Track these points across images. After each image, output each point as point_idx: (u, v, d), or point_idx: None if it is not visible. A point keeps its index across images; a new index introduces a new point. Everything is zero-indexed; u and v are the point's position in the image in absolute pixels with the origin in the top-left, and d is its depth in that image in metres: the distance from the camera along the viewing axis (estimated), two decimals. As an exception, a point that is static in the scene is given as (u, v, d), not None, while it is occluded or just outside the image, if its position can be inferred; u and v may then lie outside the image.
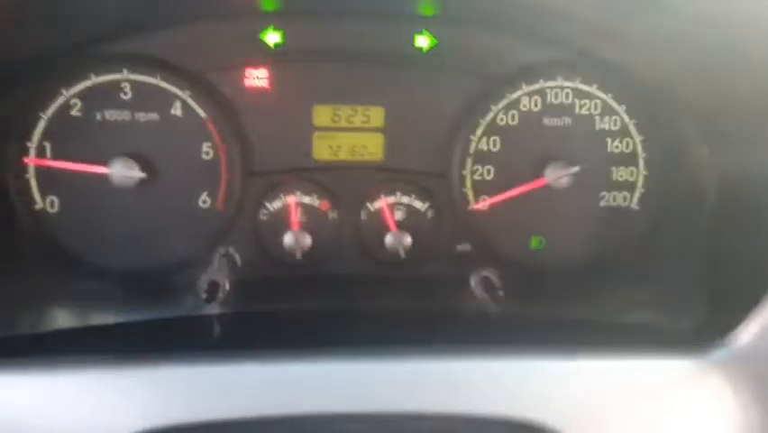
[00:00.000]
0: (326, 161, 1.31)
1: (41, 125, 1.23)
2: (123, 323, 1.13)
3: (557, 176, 1.26)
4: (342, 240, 1.32)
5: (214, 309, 1.14)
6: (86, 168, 1.22)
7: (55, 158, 1.23)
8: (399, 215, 1.32)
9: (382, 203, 1.32)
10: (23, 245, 1.25)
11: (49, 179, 1.25)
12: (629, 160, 1.32)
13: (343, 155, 1.31)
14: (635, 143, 1.32)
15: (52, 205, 1.26)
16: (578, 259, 1.35)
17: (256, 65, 1.27)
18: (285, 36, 1.26)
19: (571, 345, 1.03)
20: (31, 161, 1.23)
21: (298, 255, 1.26)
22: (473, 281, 1.22)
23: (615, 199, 1.33)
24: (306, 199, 1.31)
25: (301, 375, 0.98)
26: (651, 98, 1.29)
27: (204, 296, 1.09)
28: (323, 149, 1.31)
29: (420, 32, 1.27)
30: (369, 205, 1.32)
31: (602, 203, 1.33)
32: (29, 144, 1.23)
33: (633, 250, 1.34)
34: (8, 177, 1.23)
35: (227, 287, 1.15)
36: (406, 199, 1.32)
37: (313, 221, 1.31)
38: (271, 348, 1.00)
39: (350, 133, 1.30)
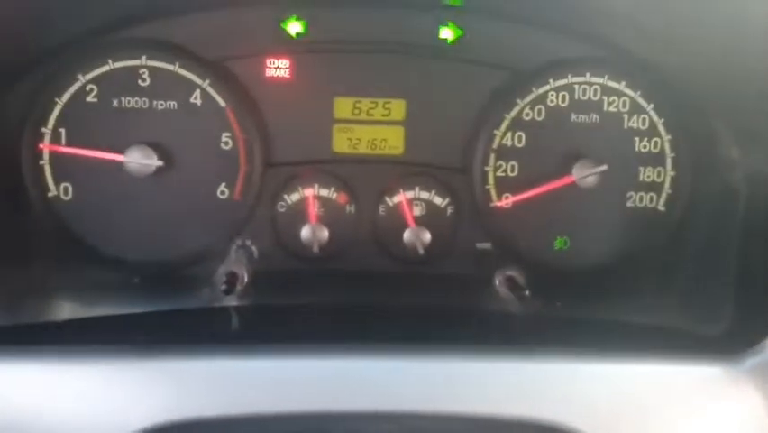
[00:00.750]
0: (345, 154, 1.28)
1: (56, 111, 1.21)
2: (139, 314, 1.11)
3: (584, 174, 1.23)
4: (359, 234, 1.29)
5: (231, 301, 1.11)
6: (101, 155, 1.20)
7: (70, 144, 1.21)
8: (418, 210, 1.30)
9: (401, 198, 1.29)
10: (36, 233, 1.23)
11: (63, 166, 1.23)
12: (657, 159, 1.29)
13: (363, 148, 1.28)
14: (662, 143, 1.29)
15: (66, 192, 1.24)
16: (603, 260, 1.31)
17: (277, 55, 1.24)
18: (307, 26, 1.24)
19: (597, 348, 1.01)
20: (45, 146, 1.21)
21: (315, 249, 1.24)
22: (497, 281, 1.19)
23: (641, 200, 1.30)
24: (324, 192, 1.28)
25: (318, 371, 0.96)
26: (680, 97, 1.25)
27: (223, 287, 1.07)
28: (342, 142, 1.28)
29: (445, 24, 1.24)
30: (387, 199, 1.29)
31: (628, 203, 1.30)
32: (44, 130, 1.21)
33: (659, 252, 1.30)
34: (22, 163, 1.21)
35: (246, 279, 1.13)
36: (425, 195, 1.29)
37: (330, 214, 1.28)
38: (288, 343, 0.98)
39: (370, 126, 1.28)
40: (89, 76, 1.21)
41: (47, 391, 0.93)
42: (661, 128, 1.28)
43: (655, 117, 1.28)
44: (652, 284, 1.29)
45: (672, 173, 1.29)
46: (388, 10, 1.24)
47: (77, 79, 1.20)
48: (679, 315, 1.19)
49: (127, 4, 1.16)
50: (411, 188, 1.29)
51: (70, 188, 1.24)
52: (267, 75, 1.24)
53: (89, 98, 1.21)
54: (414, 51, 1.25)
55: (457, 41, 1.25)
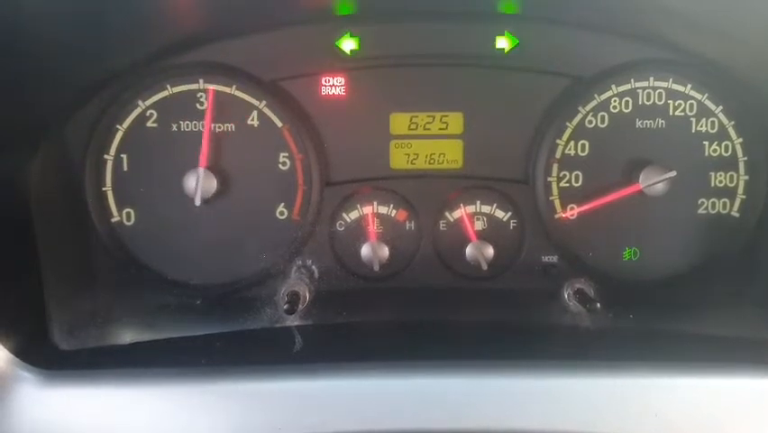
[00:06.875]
0: (404, 170, 1.27)
1: (117, 137, 1.23)
2: (202, 336, 1.11)
3: (652, 181, 1.19)
4: (420, 251, 1.27)
5: (294, 321, 1.10)
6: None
7: (132, 170, 1.23)
8: (480, 225, 1.27)
9: (462, 212, 1.27)
10: (100, 259, 1.24)
11: (125, 192, 1.24)
12: (728, 164, 1.24)
13: (421, 164, 1.26)
14: (734, 146, 1.24)
15: (128, 218, 1.25)
16: (675, 270, 1.27)
17: (332, 72, 1.24)
18: (361, 42, 1.23)
19: (674, 362, 0.98)
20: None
21: (376, 267, 1.22)
22: (566, 294, 1.16)
23: (714, 207, 1.25)
24: (383, 210, 1.27)
25: (383, 390, 0.94)
26: (751, 97, 1.21)
27: (285, 307, 1.07)
28: (400, 157, 1.26)
29: (501, 33, 1.22)
30: (448, 215, 1.27)
31: (700, 210, 1.26)
32: (106, 157, 1.23)
33: (734, 259, 1.25)
34: (86, 189, 1.22)
35: (307, 298, 1.12)
36: (487, 208, 1.27)
37: (390, 232, 1.26)
38: (353, 362, 0.97)
39: (428, 141, 1.26)
40: (149, 101, 1.22)
41: (111, 415, 0.93)
42: (731, 131, 1.24)
43: (725, 120, 1.23)
44: (728, 293, 1.24)
45: (746, 177, 1.24)
46: (442, 22, 1.23)
47: (137, 105, 1.22)
48: (758, 325, 1.14)
49: (184, 29, 1.18)
50: (472, 202, 1.26)
51: (132, 214, 1.25)
52: (322, 93, 1.24)
53: (149, 124, 1.22)
54: (470, 63, 1.24)
55: (514, 50, 1.22)
